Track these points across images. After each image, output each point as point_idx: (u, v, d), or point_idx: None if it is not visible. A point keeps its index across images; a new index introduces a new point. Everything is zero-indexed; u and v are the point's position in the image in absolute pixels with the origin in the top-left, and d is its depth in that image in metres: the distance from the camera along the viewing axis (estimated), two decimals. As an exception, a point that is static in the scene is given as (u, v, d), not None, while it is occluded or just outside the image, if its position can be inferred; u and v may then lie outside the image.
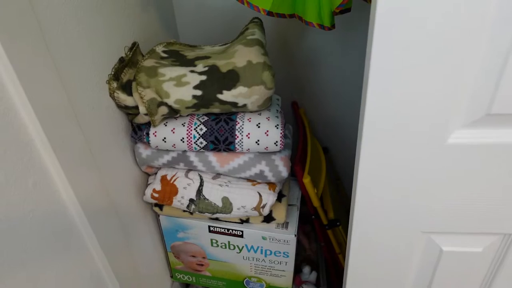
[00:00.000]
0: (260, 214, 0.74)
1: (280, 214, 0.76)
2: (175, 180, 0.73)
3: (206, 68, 0.62)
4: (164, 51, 0.70)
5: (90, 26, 0.58)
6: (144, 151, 0.72)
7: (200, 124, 0.67)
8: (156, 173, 0.77)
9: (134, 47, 0.69)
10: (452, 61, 0.38)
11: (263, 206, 0.72)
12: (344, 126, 1.11)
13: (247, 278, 0.88)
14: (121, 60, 0.67)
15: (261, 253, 0.81)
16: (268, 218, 0.76)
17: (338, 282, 1.04)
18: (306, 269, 0.97)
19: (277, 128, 0.66)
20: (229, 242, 0.81)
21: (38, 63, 0.47)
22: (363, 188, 0.50)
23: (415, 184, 0.48)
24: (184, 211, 0.77)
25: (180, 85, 0.62)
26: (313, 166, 0.87)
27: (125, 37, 0.70)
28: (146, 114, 0.65)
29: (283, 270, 0.84)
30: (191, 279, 0.93)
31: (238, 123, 0.66)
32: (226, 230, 0.79)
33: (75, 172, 0.53)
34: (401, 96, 0.41)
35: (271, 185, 0.73)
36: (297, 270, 0.97)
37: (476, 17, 0.35)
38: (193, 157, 0.71)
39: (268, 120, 0.67)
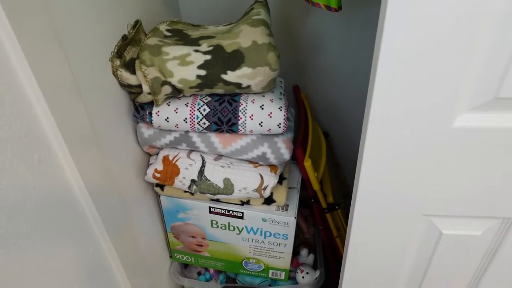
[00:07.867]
0: (261, 196, 0.74)
1: (280, 196, 0.77)
2: (177, 160, 0.73)
3: (211, 48, 0.62)
4: (167, 30, 0.69)
5: (93, 2, 0.57)
6: (146, 131, 0.72)
7: (203, 105, 0.67)
8: (157, 154, 0.76)
9: (137, 25, 0.68)
10: (461, 41, 0.38)
11: (265, 188, 0.72)
12: (345, 112, 1.11)
13: (245, 259, 0.89)
14: (124, 38, 0.66)
15: (261, 234, 0.82)
16: (269, 200, 0.77)
17: (335, 265, 1.05)
18: (304, 252, 0.98)
19: (281, 110, 0.66)
20: (229, 223, 0.82)
21: (43, 37, 0.46)
22: (367, 171, 0.50)
23: (421, 167, 0.48)
24: (186, 191, 0.77)
25: (184, 65, 0.61)
26: (314, 150, 0.87)
27: (128, 15, 0.69)
28: (149, 93, 0.64)
29: (281, 252, 0.85)
30: (190, 259, 0.94)
31: (242, 104, 0.66)
32: (226, 211, 0.79)
33: (78, 148, 0.53)
34: (409, 78, 0.41)
35: (272, 167, 0.74)
36: (295, 253, 0.98)
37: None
38: (195, 137, 0.71)
39: (272, 102, 0.66)
